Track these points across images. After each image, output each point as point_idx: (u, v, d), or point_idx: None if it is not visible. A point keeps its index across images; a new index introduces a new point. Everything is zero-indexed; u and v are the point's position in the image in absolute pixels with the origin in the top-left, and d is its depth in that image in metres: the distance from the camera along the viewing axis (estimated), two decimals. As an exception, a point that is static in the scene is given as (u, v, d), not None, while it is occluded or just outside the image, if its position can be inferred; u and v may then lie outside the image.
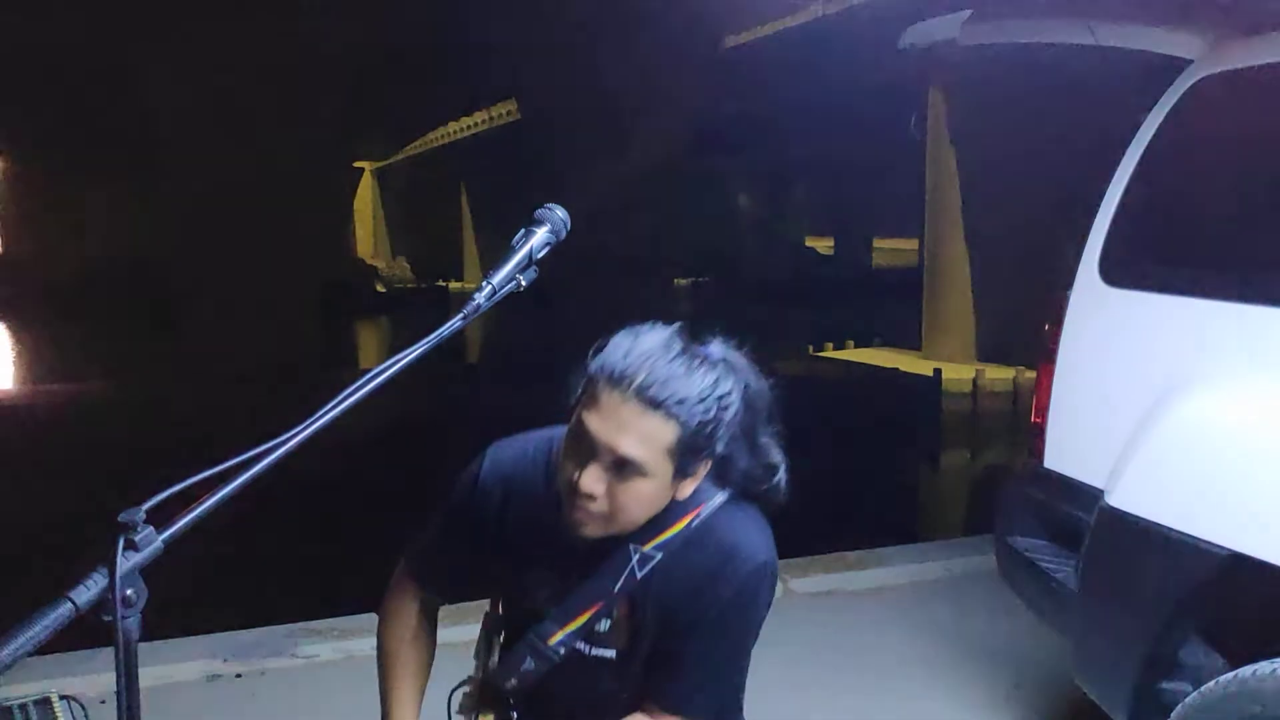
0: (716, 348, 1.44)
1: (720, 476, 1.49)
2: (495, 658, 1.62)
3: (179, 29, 17.97)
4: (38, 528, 8.57)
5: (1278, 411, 2.28)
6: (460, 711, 1.68)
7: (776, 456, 1.51)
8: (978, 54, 13.73)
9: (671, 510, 1.46)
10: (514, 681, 1.56)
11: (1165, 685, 2.42)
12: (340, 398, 1.16)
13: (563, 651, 1.50)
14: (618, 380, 1.35)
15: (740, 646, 1.49)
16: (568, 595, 1.50)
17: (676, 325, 1.44)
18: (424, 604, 1.67)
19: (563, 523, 1.44)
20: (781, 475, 1.52)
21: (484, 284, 1.25)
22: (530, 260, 1.28)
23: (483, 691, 1.64)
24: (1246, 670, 2.14)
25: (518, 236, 1.29)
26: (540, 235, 1.29)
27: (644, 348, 1.37)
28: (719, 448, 1.42)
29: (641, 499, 1.40)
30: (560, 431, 1.46)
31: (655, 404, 1.34)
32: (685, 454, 1.38)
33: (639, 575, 1.45)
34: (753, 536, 1.49)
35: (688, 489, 1.44)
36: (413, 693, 1.63)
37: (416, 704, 1.62)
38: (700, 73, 24.44)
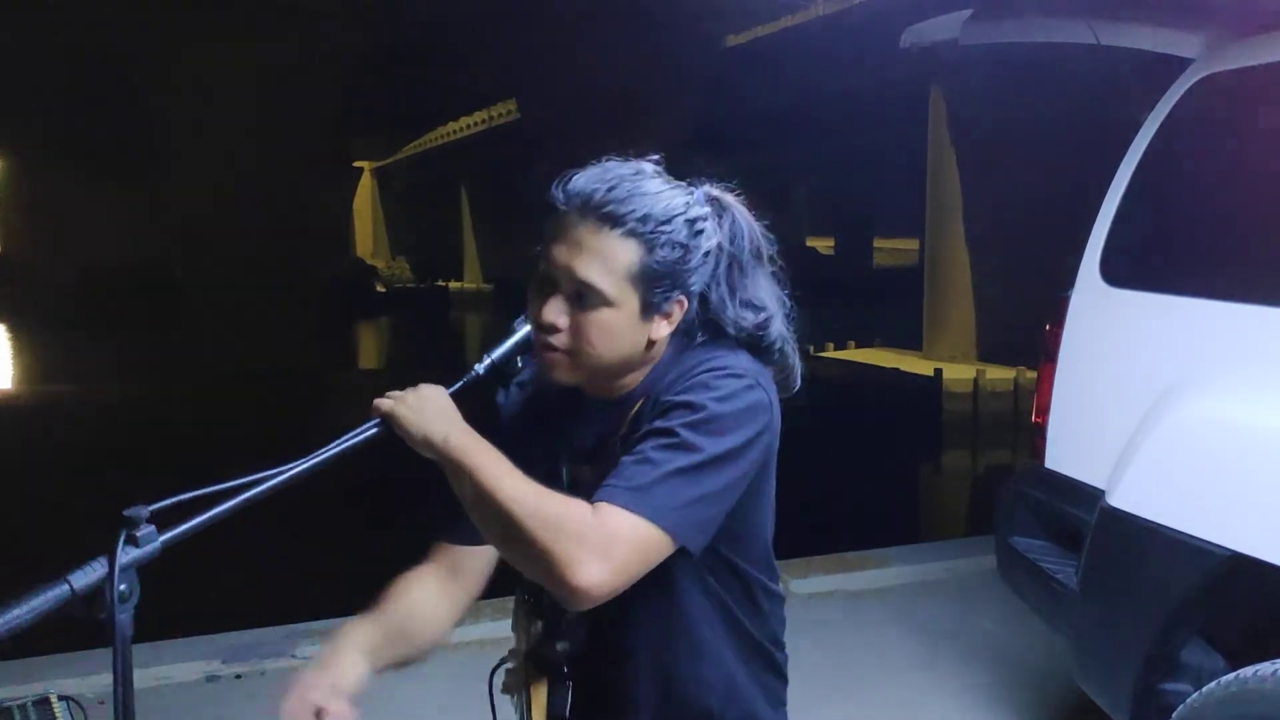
0: (706, 187, 1.34)
1: (711, 332, 1.34)
2: (539, 625, 1.44)
3: (179, 29, 17.97)
4: (37, 528, 8.57)
5: (1277, 411, 2.28)
6: (505, 691, 1.49)
7: (765, 298, 1.36)
8: (978, 54, 13.74)
9: (659, 380, 1.32)
10: (565, 644, 1.39)
11: (1166, 686, 2.42)
12: (354, 433, 1.23)
13: None
14: (574, 199, 1.25)
15: (688, 438, 1.21)
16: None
17: (655, 157, 1.33)
18: (439, 564, 1.46)
19: (561, 411, 1.37)
20: (771, 316, 1.36)
21: (485, 357, 1.33)
22: (529, 345, 1.33)
23: (531, 660, 1.45)
24: (1247, 671, 2.14)
25: (519, 319, 1.33)
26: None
27: (609, 169, 1.28)
28: (693, 282, 1.29)
29: (607, 332, 1.26)
30: None
31: (614, 221, 1.24)
32: (651, 282, 1.25)
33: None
34: (717, 356, 1.29)
35: (662, 329, 1.30)
36: (368, 628, 1.38)
37: (364, 639, 1.36)
38: (700, 73, 24.44)
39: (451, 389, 1.29)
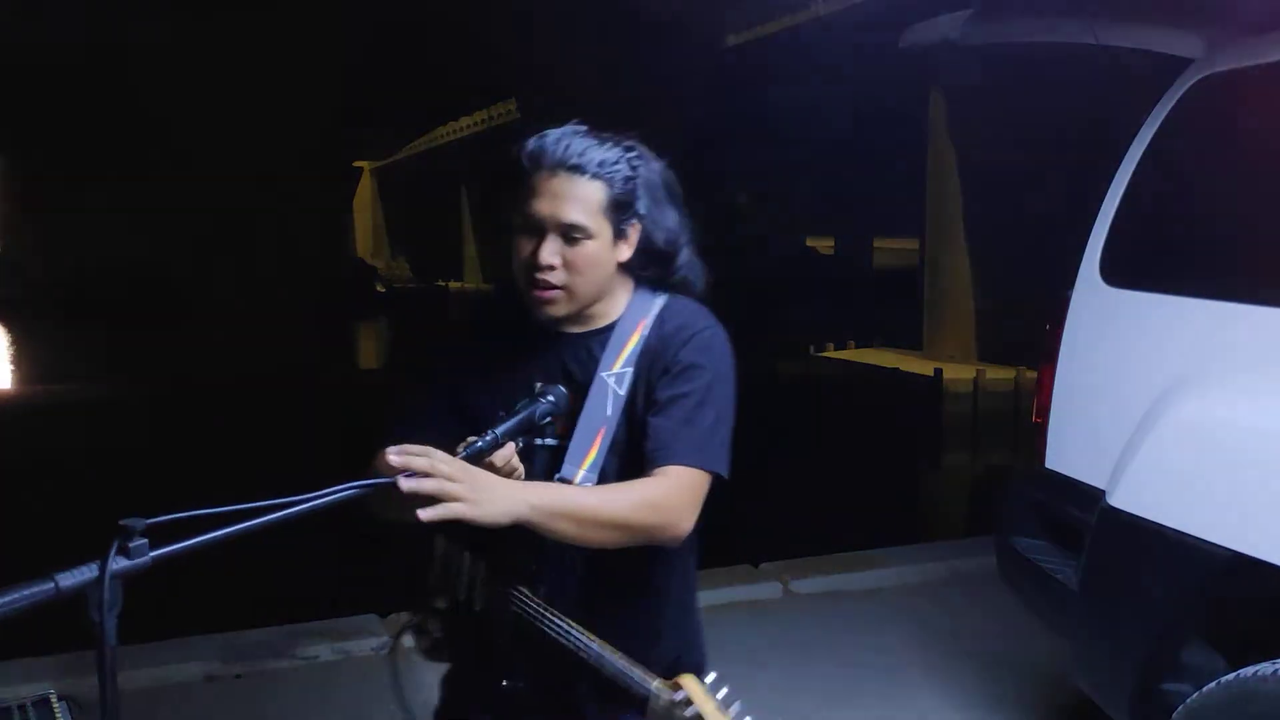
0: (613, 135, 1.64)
1: (653, 264, 1.64)
2: (478, 567, 1.58)
3: (179, 29, 17.97)
4: (35, 528, 8.57)
5: (1277, 411, 2.28)
6: (428, 655, 1.67)
7: (680, 228, 1.67)
8: (978, 54, 13.74)
9: (621, 328, 1.62)
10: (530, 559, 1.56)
11: (1166, 686, 2.42)
12: (366, 482, 1.30)
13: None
14: (546, 161, 1.55)
15: (707, 395, 1.56)
16: (568, 440, 1.58)
17: (575, 121, 1.62)
18: None
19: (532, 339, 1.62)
20: (685, 243, 1.66)
21: (488, 433, 1.45)
22: (533, 425, 1.52)
23: (495, 576, 1.58)
24: (1247, 670, 2.15)
25: (523, 401, 1.53)
26: (544, 405, 1.53)
27: (555, 133, 1.58)
28: (640, 207, 1.59)
29: (593, 261, 1.57)
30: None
31: (583, 170, 1.54)
32: (617, 211, 1.57)
33: (623, 393, 1.59)
34: (694, 315, 1.64)
35: (624, 251, 1.61)
36: None
37: None
38: (700, 72, 24.44)
39: (467, 453, 1.41)
